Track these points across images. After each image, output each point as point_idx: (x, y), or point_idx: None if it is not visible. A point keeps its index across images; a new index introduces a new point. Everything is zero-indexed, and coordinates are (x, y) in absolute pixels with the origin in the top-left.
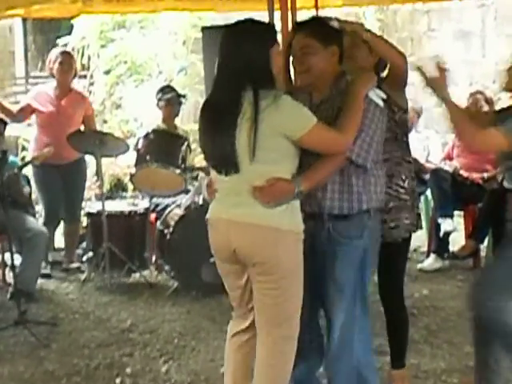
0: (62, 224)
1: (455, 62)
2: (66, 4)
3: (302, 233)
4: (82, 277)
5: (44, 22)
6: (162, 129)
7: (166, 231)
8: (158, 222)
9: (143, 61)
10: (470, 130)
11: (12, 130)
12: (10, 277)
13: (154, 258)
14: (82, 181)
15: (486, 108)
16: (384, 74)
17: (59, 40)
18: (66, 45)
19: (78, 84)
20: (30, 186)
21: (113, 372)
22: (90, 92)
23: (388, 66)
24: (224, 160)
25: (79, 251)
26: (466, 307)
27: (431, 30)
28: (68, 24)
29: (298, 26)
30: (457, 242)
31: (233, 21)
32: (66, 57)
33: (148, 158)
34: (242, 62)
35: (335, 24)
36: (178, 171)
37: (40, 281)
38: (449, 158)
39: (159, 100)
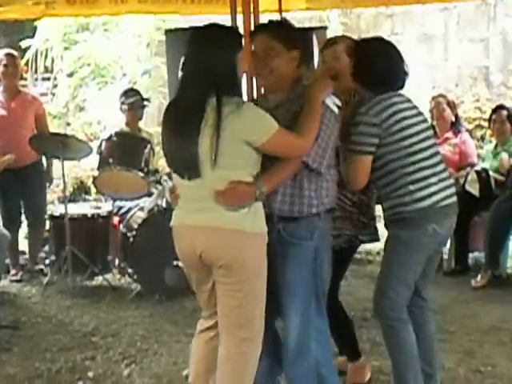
0: (23, 227)
1: (418, 66)
2: (28, 6)
3: (266, 234)
4: (45, 280)
5: (7, 23)
6: (125, 131)
7: (129, 234)
8: (121, 225)
9: (107, 63)
10: (344, 176)
11: None
12: None
13: (116, 261)
14: (42, 183)
15: (448, 111)
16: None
17: (22, 42)
18: (29, 47)
19: (41, 86)
20: None
21: (75, 376)
22: (54, 94)
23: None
24: (186, 166)
25: (42, 254)
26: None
27: (394, 33)
28: (32, 26)
29: (261, 27)
30: None
31: (196, 24)
32: (10, 59)
33: (111, 160)
34: (205, 68)
35: None
36: (141, 174)
37: (2, 283)
38: None
39: (122, 103)
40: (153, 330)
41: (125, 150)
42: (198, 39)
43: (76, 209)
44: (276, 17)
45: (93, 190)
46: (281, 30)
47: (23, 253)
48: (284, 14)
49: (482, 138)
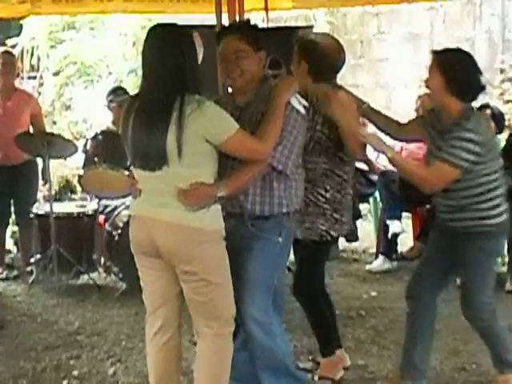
0: (10, 227)
1: (404, 65)
2: (14, 4)
3: (224, 230)
4: (30, 279)
5: None
6: (111, 130)
7: (114, 233)
8: (107, 224)
9: (93, 62)
10: (420, 177)
11: None
12: None
13: (102, 260)
14: (34, 183)
15: None
16: None
17: (8, 40)
18: (15, 45)
19: (27, 85)
20: None
21: (60, 374)
22: (40, 93)
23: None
24: (151, 161)
25: None
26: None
27: (381, 32)
28: (18, 24)
29: (228, 29)
30: (405, 243)
31: (182, 23)
32: (8, 57)
33: (96, 159)
34: (170, 66)
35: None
36: (126, 173)
37: None
38: None
39: (111, 101)
40: (138, 329)
41: (110, 148)
42: (161, 37)
43: (61, 207)
44: (262, 15)
45: (79, 188)
46: (248, 31)
47: (9, 251)
48: (270, 13)
49: None
